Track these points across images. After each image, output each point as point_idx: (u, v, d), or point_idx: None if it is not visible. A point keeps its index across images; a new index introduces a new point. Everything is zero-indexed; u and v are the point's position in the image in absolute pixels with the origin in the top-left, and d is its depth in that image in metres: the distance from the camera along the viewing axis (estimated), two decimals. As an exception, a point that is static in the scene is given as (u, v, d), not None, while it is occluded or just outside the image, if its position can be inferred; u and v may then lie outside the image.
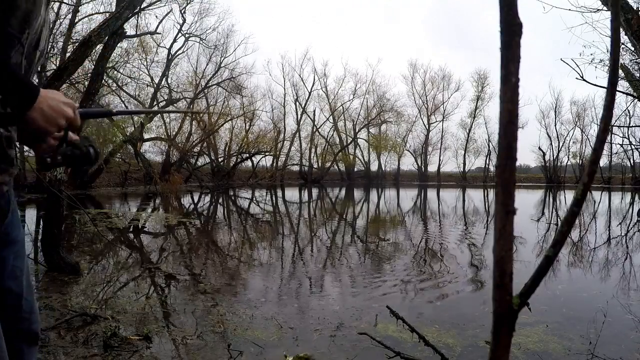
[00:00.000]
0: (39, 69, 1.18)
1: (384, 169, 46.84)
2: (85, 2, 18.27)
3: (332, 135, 42.14)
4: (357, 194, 25.46)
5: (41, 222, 7.23)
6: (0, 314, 1.11)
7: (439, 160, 47.18)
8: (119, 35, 5.30)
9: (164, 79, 25.26)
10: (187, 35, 25.94)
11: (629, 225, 10.77)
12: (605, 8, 5.01)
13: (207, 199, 18.11)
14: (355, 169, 44.94)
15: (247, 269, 5.20)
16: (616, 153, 37.87)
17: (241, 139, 31.54)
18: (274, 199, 20.13)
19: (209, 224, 10.02)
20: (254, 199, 19.20)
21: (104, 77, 12.86)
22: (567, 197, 22.13)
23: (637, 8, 4.50)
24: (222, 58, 28.23)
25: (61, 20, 17.92)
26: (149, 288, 4.12)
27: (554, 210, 15.04)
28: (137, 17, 18.70)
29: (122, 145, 20.90)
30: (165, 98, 25.40)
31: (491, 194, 24.85)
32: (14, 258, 1.15)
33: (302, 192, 25.85)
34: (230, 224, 10.30)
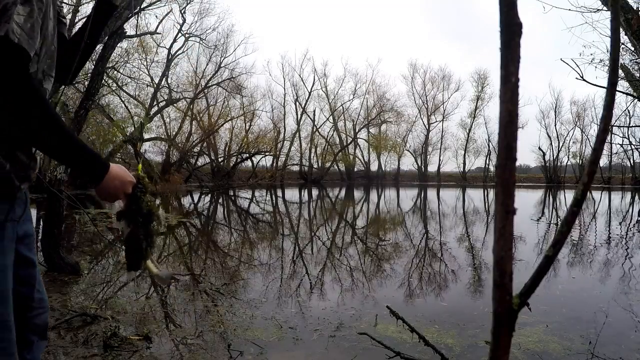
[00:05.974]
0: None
1: (384, 169, 46.86)
2: (85, 2, 18.25)
3: (332, 135, 42.15)
4: (357, 194, 25.46)
5: (41, 222, 7.23)
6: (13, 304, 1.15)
7: (439, 160, 47.20)
8: (119, 35, 5.30)
9: (164, 79, 25.28)
10: (187, 35, 25.95)
11: (629, 225, 10.77)
12: (605, 8, 5.01)
13: (207, 199, 18.11)
14: (355, 169, 44.91)
15: (247, 269, 5.20)
16: (616, 153, 37.92)
17: (241, 139, 31.54)
18: (274, 199, 20.13)
19: (209, 224, 10.02)
20: (254, 199, 19.20)
21: (104, 77, 12.88)
22: (567, 197, 22.13)
23: (637, 8, 4.51)
24: (222, 58, 28.25)
25: (61, 20, 17.91)
26: (149, 288, 4.11)
27: (554, 210, 15.04)
28: (137, 17, 18.72)
29: (122, 145, 20.91)
30: (165, 98, 25.40)
31: (491, 194, 24.85)
32: (27, 250, 1.22)
33: (302, 192, 25.84)
34: (231, 224, 10.30)
